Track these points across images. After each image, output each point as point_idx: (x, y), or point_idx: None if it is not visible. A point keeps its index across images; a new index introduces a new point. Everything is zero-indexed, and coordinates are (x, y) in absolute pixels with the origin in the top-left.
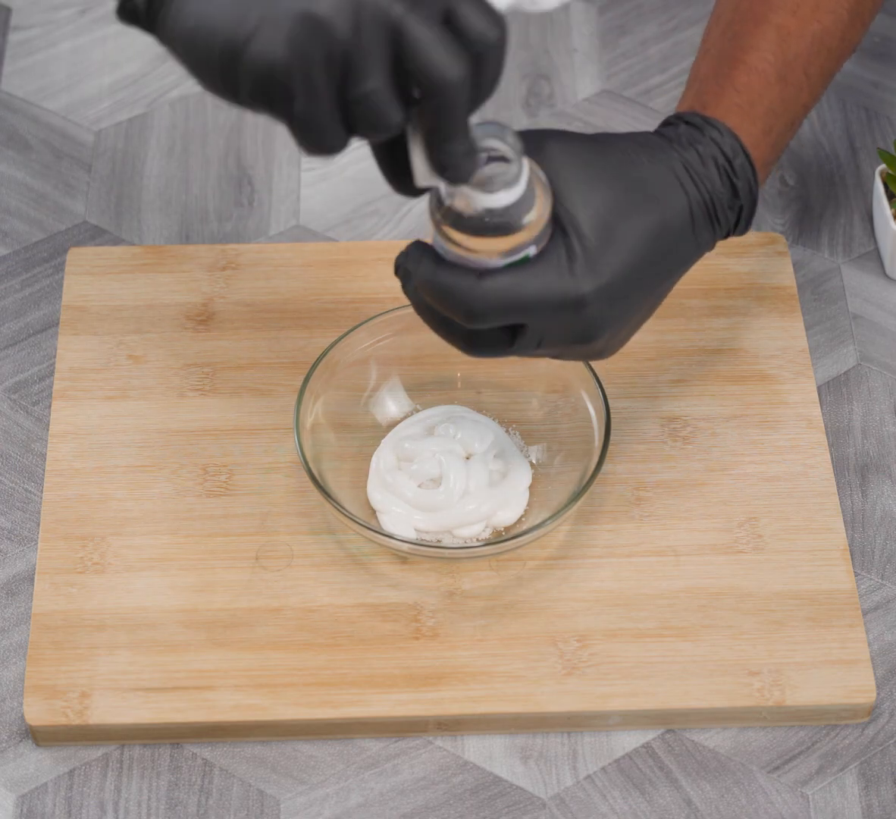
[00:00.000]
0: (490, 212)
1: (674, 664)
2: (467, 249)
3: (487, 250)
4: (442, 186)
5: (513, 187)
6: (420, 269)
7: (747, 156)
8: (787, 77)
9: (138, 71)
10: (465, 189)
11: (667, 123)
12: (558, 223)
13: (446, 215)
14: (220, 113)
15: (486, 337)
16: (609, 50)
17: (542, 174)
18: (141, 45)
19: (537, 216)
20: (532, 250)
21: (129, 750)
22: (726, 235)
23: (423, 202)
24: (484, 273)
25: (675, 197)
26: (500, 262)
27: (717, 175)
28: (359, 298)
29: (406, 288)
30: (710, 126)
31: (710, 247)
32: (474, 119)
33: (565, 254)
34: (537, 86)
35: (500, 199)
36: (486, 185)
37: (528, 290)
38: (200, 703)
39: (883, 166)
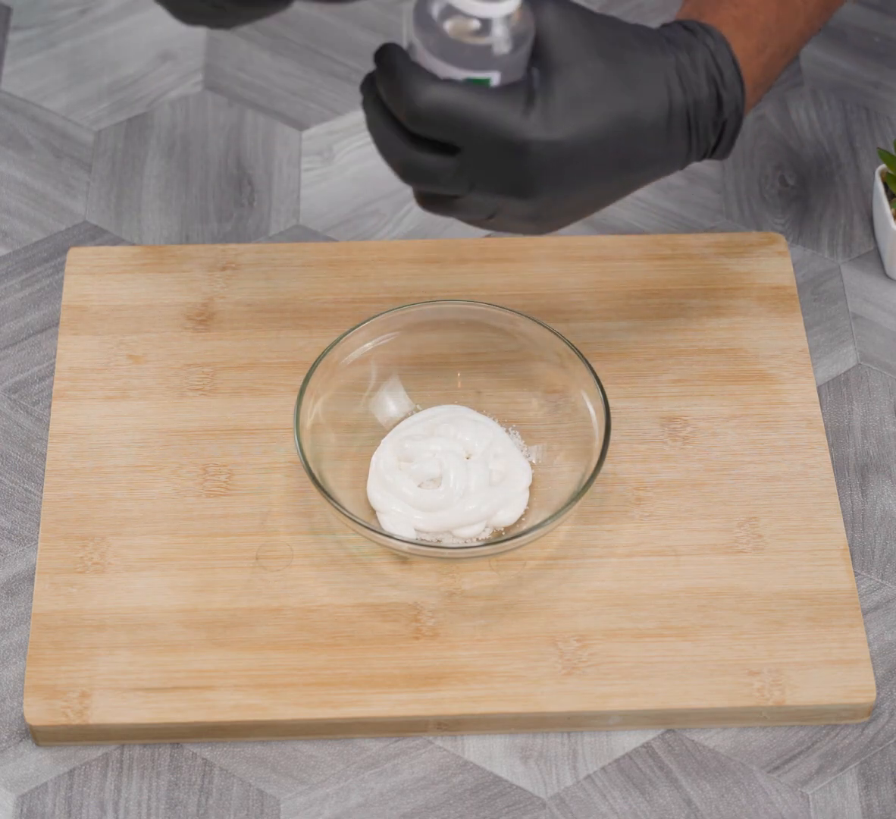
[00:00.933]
0: (475, 17)
1: (674, 664)
2: (436, 51)
3: (455, 57)
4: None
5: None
6: (384, 64)
7: (737, 69)
8: None
9: (138, 71)
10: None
11: (664, 26)
12: (530, 72)
13: (426, 10)
14: (220, 113)
15: (423, 162)
16: None
17: (531, 15)
18: (141, 45)
19: (510, 41)
20: (495, 78)
21: (129, 750)
22: (704, 155)
23: None
24: (442, 81)
25: (657, 91)
26: (461, 74)
27: (705, 82)
28: (359, 298)
29: (366, 100)
30: (705, 32)
31: (683, 162)
32: None
33: (524, 97)
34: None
35: (488, 9)
36: None
37: (476, 110)
38: (200, 703)
39: (883, 166)
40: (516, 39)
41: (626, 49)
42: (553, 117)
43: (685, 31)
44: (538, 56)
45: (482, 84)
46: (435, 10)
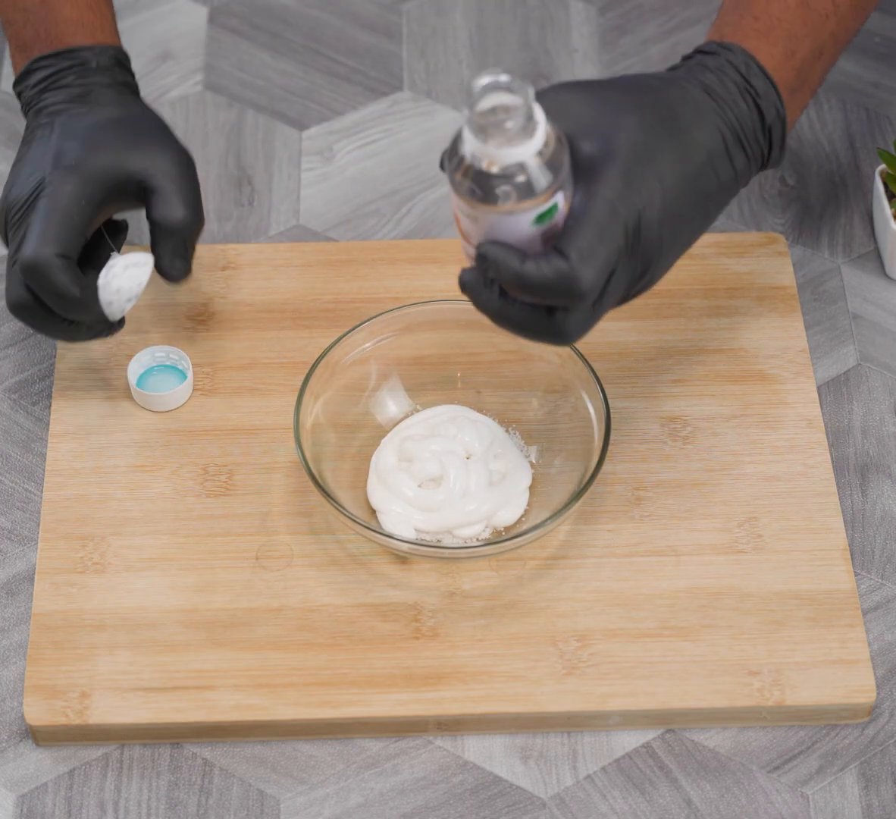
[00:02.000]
0: (515, 166)
1: (674, 664)
2: (503, 211)
3: (521, 208)
4: (466, 148)
5: (534, 135)
6: (504, 272)
7: (767, 75)
8: (810, 3)
9: (138, 71)
10: (489, 149)
11: (684, 58)
12: (595, 162)
13: (467, 182)
14: (220, 113)
15: (525, 316)
16: (609, 50)
17: (553, 126)
18: (141, 45)
19: (552, 164)
20: (559, 198)
21: (129, 750)
22: (762, 165)
23: (422, 203)
24: (563, 249)
25: (703, 120)
26: (530, 216)
27: (739, 95)
28: (359, 298)
29: (480, 299)
30: (725, 50)
31: (746, 177)
32: (482, 78)
33: (611, 192)
34: (537, 86)
35: (521, 152)
36: (504, 137)
37: (609, 240)
38: (200, 703)
39: (883, 166)
40: (555, 160)
41: (654, 94)
42: (639, 191)
43: (706, 55)
44: (577, 133)
45: (554, 211)
46: (476, 173)
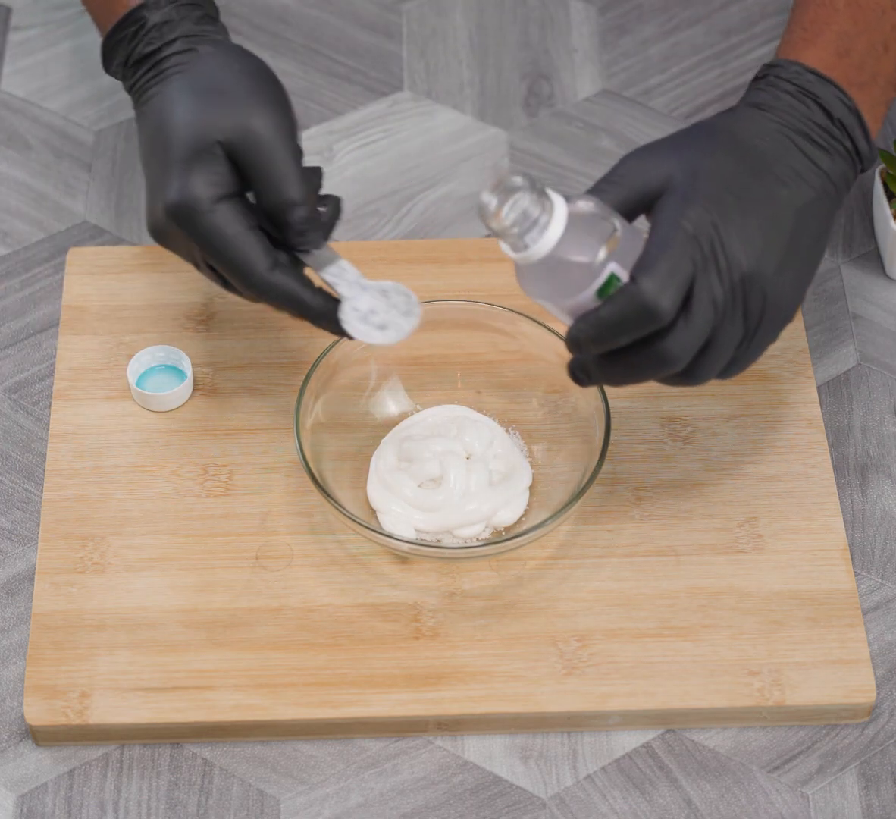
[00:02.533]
0: (550, 259)
1: (674, 664)
2: (569, 301)
3: (576, 291)
4: (513, 256)
5: (549, 226)
6: (589, 330)
7: (819, 75)
8: (861, 2)
9: None
10: (520, 253)
11: (741, 100)
12: (659, 203)
13: (523, 282)
14: None
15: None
16: (609, 50)
17: (585, 204)
18: None
19: (598, 242)
20: (618, 270)
21: (129, 750)
22: (858, 161)
23: (422, 203)
24: (632, 277)
25: (762, 130)
26: (590, 293)
27: (794, 100)
28: None
29: (595, 374)
30: (771, 68)
31: (839, 174)
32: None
33: (670, 212)
34: (537, 86)
35: (543, 246)
36: (522, 242)
37: (673, 254)
38: (200, 703)
39: (883, 166)
40: (591, 234)
41: (704, 139)
42: (753, 243)
43: (757, 80)
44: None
45: (614, 280)
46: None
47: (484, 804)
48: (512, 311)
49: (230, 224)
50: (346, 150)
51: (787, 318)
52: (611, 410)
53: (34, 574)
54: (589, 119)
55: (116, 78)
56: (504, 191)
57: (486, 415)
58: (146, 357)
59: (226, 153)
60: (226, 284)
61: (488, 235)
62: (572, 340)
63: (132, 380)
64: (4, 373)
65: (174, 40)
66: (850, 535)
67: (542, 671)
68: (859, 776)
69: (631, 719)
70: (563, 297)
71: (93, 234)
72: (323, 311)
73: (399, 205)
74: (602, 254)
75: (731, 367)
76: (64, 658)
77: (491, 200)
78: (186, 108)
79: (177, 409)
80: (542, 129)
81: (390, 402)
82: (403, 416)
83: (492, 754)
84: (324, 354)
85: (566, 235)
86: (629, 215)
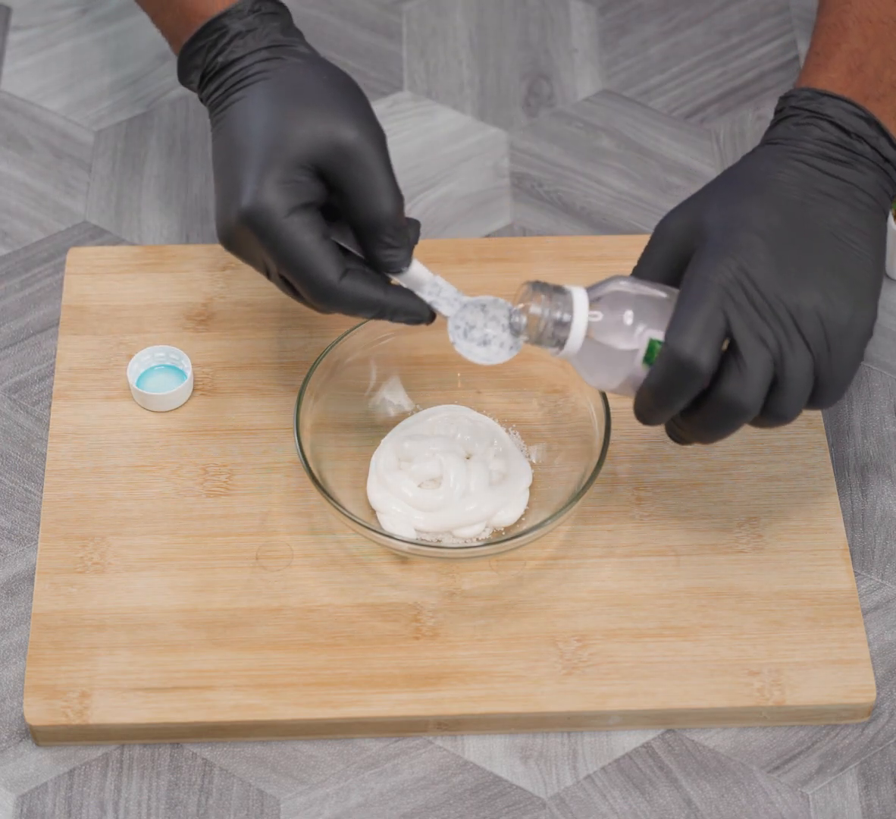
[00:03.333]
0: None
1: (674, 664)
2: (630, 376)
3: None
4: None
5: (571, 326)
6: (647, 401)
7: (832, 95)
8: (871, 16)
9: (138, 71)
10: (558, 351)
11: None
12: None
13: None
14: None
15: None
16: (609, 50)
17: (609, 289)
18: (141, 44)
19: (633, 321)
20: (652, 333)
21: (129, 750)
22: (889, 172)
23: (422, 203)
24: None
25: (776, 162)
26: (636, 364)
27: (806, 124)
28: None
29: (682, 437)
30: (784, 99)
31: (872, 184)
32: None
33: (697, 269)
34: (537, 86)
35: (576, 338)
36: (556, 340)
37: (701, 306)
38: (200, 703)
39: None
40: (616, 313)
41: (723, 189)
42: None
43: (775, 116)
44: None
45: (656, 344)
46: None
47: (484, 804)
48: None
49: (304, 232)
50: None
51: (859, 334)
52: (611, 410)
53: (34, 574)
54: (589, 119)
55: (191, 88)
56: (525, 302)
57: (486, 415)
58: (146, 357)
59: (312, 164)
60: (296, 294)
61: (488, 236)
62: (638, 415)
63: (132, 380)
64: (4, 373)
65: (260, 49)
66: (850, 535)
67: (542, 671)
68: (859, 776)
69: (631, 719)
70: (617, 377)
71: (93, 234)
72: (400, 306)
73: None
74: (636, 325)
75: (822, 397)
76: (64, 658)
77: (520, 320)
78: (272, 114)
79: (177, 409)
80: (542, 129)
81: (390, 402)
82: (403, 416)
83: (492, 754)
84: (324, 354)
85: (594, 323)
86: (677, 275)
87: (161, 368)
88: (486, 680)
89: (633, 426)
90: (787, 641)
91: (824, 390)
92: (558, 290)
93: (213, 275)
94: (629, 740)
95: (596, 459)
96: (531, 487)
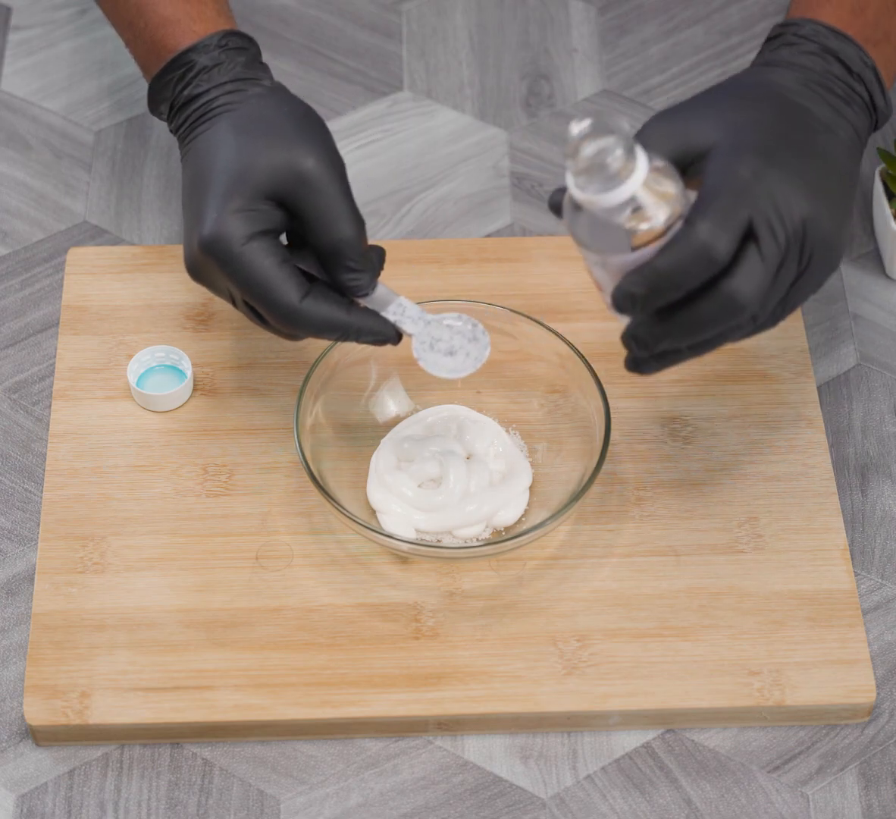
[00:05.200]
0: (629, 203)
1: (674, 664)
2: (632, 254)
3: (647, 244)
4: (580, 199)
5: (635, 168)
6: (647, 283)
7: (836, 31)
8: None
9: (138, 71)
10: (599, 195)
11: (757, 57)
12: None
13: (593, 232)
14: None
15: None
16: (609, 50)
17: (653, 160)
18: None
19: (665, 199)
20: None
21: (129, 750)
22: (872, 116)
23: (422, 203)
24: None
25: (795, 90)
26: (652, 249)
27: (813, 58)
28: None
29: (658, 336)
30: (786, 26)
31: (865, 128)
32: (579, 125)
33: (715, 165)
34: (537, 85)
35: (629, 187)
36: (608, 178)
37: (729, 202)
38: (200, 703)
39: (883, 166)
40: (666, 188)
41: (730, 97)
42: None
43: (773, 40)
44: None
45: None
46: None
47: (484, 804)
48: (512, 311)
49: (263, 257)
50: (346, 151)
51: (835, 263)
52: (611, 410)
53: (34, 574)
54: None
55: (161, 119)
56: (599, 127)
57: (486, 415)
58: (146, 357)
59: (273, 192)
60: (264, 322)
61: (488, 236)
62: (626, 296)
63: (132, 380)
64: (4, 373)
65: (224, 83)
66: (850, 535)
67: (542, 671)
68: (859, 776)
69: (631, 719)
70: (617, 252)
71: (93, 234)
72: (363, 326)
73: (399, 205)
74: (674, 210)
75: (781, 312)
76: (64, 658)
77: (584, 127)
78: (233, 146)
79: (177, 409)
80: (542, 129)
81: (390, 402)
82: (403, 416)
83: (492, 754)
84: (324, 354)
85: (640, 190)
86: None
87: (161, 368)
88: (486, 680)
89: (633, 426)
90: (787, 641)
91: (783, 308)
92: (631, 142)
93: None
94: (629, 740)
95: (596, 459)
96: (531, 487)
